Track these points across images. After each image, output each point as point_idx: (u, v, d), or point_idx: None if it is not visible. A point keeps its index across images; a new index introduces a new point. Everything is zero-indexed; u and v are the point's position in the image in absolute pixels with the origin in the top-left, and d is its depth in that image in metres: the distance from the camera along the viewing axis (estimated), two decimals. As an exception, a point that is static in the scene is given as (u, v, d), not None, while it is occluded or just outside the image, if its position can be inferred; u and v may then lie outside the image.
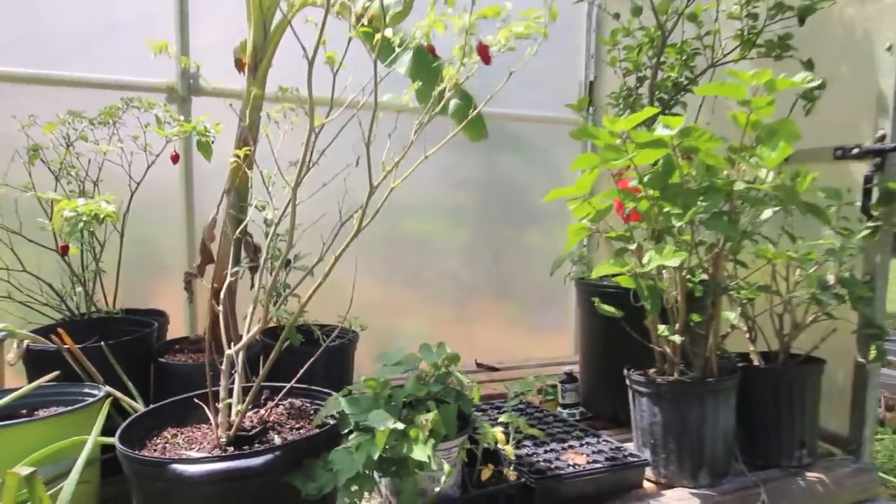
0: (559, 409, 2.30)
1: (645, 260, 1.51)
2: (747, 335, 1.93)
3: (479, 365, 2.95)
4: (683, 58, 2.21)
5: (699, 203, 1.55)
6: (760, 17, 2.05)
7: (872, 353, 1.81)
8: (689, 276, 1.74)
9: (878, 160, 1.78)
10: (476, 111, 1.59)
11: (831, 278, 1.81)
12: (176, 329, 2.42)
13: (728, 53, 2.14)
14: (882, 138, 1.78)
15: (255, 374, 2.01)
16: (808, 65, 1.99)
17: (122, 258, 2.17)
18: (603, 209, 1.84)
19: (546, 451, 1.68)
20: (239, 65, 2.20)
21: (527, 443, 1.74)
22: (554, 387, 2.37)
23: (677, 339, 1.65)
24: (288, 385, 1.49)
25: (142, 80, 2.47)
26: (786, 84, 1.48)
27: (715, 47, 2.17)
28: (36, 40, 2.36)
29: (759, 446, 1.78)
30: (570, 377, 2.31)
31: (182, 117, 2.16)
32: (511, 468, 1.51)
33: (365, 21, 1.49)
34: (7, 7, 2.29)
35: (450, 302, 3.14)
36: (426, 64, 1.77)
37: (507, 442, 1.48)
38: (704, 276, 1.77)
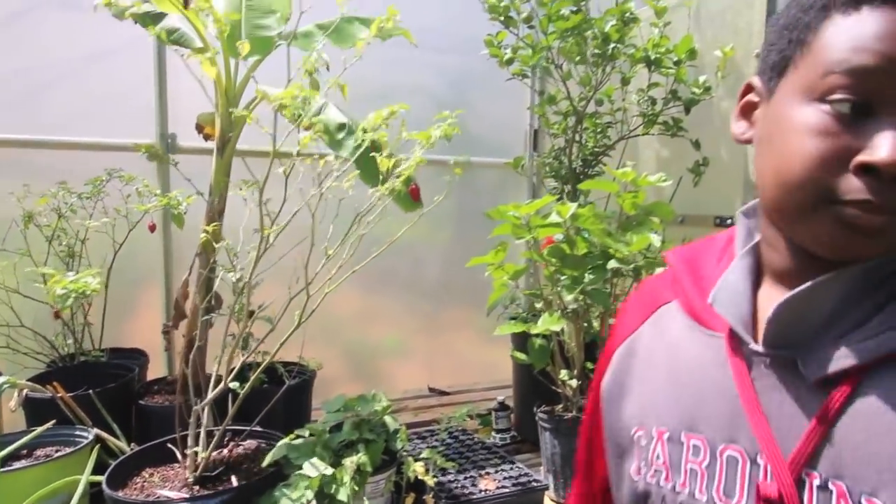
0: (493, 433, 2.64)
1: (539, 323, 1.85)
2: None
3: (430, 389, 3.28)
4: (598, 130, 2.55)
5: (587, 276, 1.89)
6: (659, 101, 2.40)
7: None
8: (586, 328, 2.08)
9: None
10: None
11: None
12: (157, 365, 2.73)
13: (634, 129, 2.49)
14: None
15: (223, 411, 2.34)
16: (696, 145, 2.34)
17: (106, 305, 2.49)
18: (519, 270, 2.18)
19: (465, 478, 2.02)
20: (200, 130, 2.53)
21: (451, 470, 2.07)
22: (489, 413, 2.71)
23: (574, 383, 2.00)
24: (248, 429, 1.81)
25: (126, 142, 2.78)
26: (646, 182, 1.82)
27: (624, 122, 2.51)
28: (34, 110, 2.67)
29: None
30: (502, 406, 2.65)
31: (159, 188, 2.47)
32: (431, 495, 1.85)
33: (311, 132, 1.81)
34: (12, 83, 2.60)
35: (425, 312, 3.46)
36: (369, 158, 2.09)
37: (427, 473, 1.82)
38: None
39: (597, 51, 2.19)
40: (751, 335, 0.61)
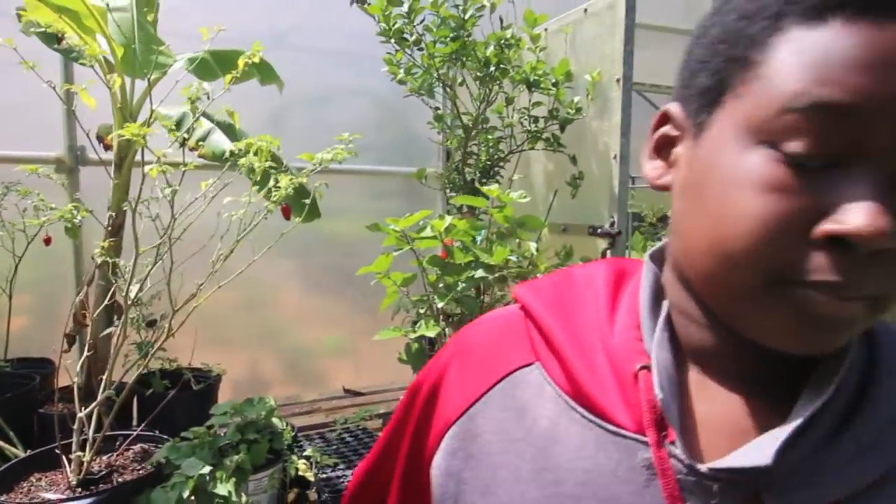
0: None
1: (416, 327, 2.01)
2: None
3: (345, 390, 3.41)
4: (490, 145, 2.73)
5: (460, 283, 2.06)
6: (541, 120, 2.59)
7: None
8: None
9: (610, 240, 2.34)
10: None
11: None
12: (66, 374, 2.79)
13: (521, 144, 2.68)
14: (612, 224, 2.34)
15: (127, 416, 2.43)
16: (573, 160, 2.54)
17: (10, 316, 2.54)
18: (408, 277, 2.34)
19: (351, 473, 2.16)
20: (101, 140, 2.61)
21: (342, 466, 2.22)
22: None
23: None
24: (135, 433, 1.91)
25: (34, 154, 2.82)
26: (509, 199, 2.00)
27: (513, 138, 2.69)
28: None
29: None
30: (404, 405, 2.81)
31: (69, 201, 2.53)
32: (314, 490, 1.99)
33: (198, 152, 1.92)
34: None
35: (364, 311, 3.55)
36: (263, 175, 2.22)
37: (309, 470, 1.95)
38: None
39: (478, 73, 2.36)
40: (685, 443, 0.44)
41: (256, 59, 1.89)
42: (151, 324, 2.44)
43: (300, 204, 2.25)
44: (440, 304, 1.97)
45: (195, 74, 2.39)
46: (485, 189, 2.01)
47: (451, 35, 2.23)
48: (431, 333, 1.94)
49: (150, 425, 2.03)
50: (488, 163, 2.74)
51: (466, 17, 2.21)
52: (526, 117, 2.56)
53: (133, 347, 2.36)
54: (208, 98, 1.86)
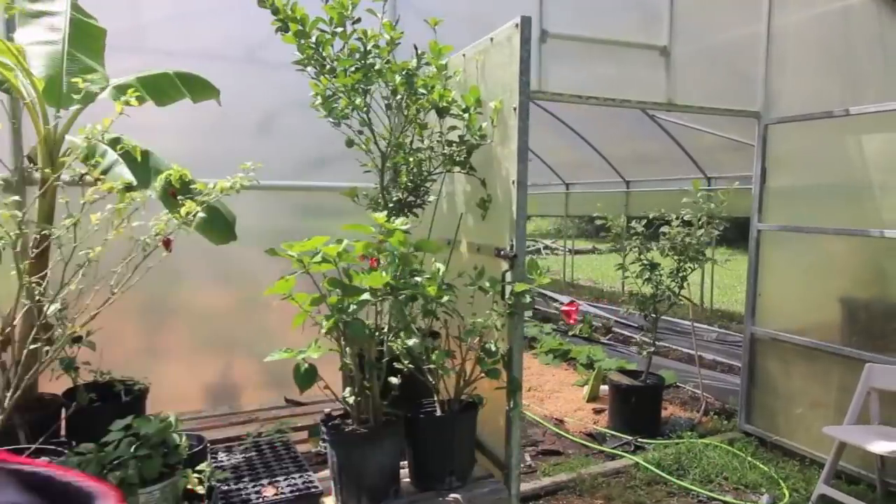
0: (321, 443, 2.90)
1: (305, 349, 2.11)
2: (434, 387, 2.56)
3: (287, 400, 3.53)
4: (410, 166, 2.82)
5: (351, 305, 2.15)
6: (454, 144, 2.67)
7: (513, 404, 2.46)
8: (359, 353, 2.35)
9: (510, 261, 2.42)
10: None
11: (493, 347, 2.45)
12: None
13: (438, 166, 2.77)
14: (511, 247, 2.42)
15: (47, 431, 2.55)
16: (483, 183, 2.62)
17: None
18: (316, 298, 2.44)
19: (254, 486, 2.27)
20: (31, 161, 2.75)
21: (246, 478, 2.32)
22: (317, 424, 2.97)
23: (351, 400, 2.26)
24: (33, 446, 2.04)
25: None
26: (391, 226, 2.09)
27: (433, 160, 2.79)
28: None
29: (422, 475, 2.41)
30: (328, 417, 2.91)
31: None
32: (209, 502, 2.09)
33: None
34: None
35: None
36: (170, 198, 2.34)
37: (201, 484, 2.06)
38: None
39: (386, 101, 2.46)
40: None
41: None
42: (77, 340, 2.58)
43: (216, 227, 2.36)
44: (324, 330, 2.07)
45: (116, 99, 2.52)
46: (373, 216, 2.11)
47: (356, 65, 2.32)
48: (315, 355, 2.04)
49: (81, 439, 2.14)
50: (409, 183, 2.83)
51: (368, 47, 2.30)
52: (440, 141, 2.65)
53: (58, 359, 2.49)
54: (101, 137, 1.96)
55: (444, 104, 2.49)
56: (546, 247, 19.40)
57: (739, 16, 4.98)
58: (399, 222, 2.09)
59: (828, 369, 4.59)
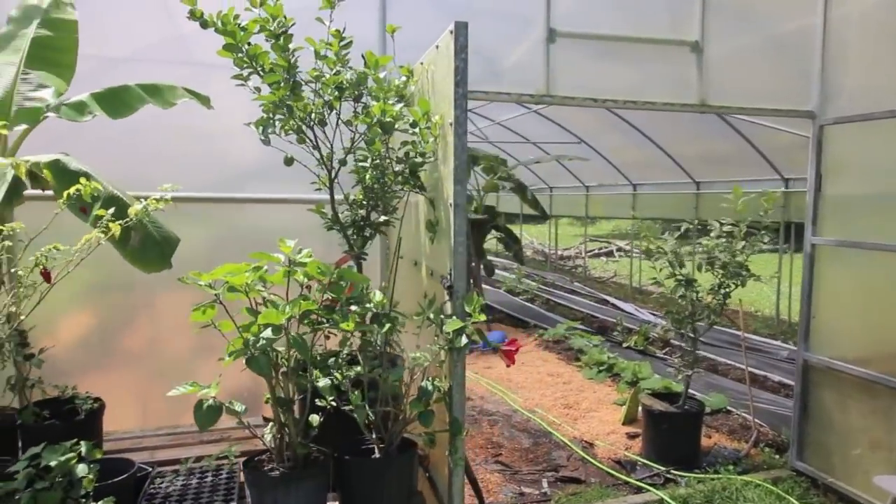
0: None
1: (209, 386, 1.99)
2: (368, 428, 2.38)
3: (265, 419, 3.45)
4: (368, 183, 2.66)
5: (259, 340, 2.02)
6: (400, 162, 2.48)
7: (453, 450, 2.24)
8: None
9: (448, 292, 2.20)
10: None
11: (430, 386, 2.25)
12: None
13: (390, 184, 2.58)
14: (450, 275, 2.20)
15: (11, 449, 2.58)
16: (432, 204, 2.42)
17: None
18: (245, 325, 2.33)
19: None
20: None
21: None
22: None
23: (268, 438, 2.13)
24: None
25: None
26: (298, 259, 1.93)
27: (384, 179, 2.61)
28: None
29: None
30: (252, 454, 2.81)
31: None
32: (112, 539, 2.03)
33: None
34: None
35: None
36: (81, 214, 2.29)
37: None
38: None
39: (319, 116, 2.30)
40: None
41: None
42: (29, 357, 2.61)
43: (148, 254, 2.31)
44: (225, 364, 1.95)
45: (67, 117, 2.52)
46: (282, 245, 1.96)
47: (281, 80, 2.19)
48: (213, 392, 1.92)
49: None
50: (365, 201, 2.67)
51: (293, 61, 2.16)
52: (389, 160, 2.47)
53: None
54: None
55: (388, 119, 2.31)
56: (619, 249, 18.63)
57: (787, 5, 4.43)
58: (305, 253, 1.94)
59: (891, 407, 3.99)
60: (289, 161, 2.45)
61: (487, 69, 3.93)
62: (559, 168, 13.82)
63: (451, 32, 2.08)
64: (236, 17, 2.24)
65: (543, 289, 12.99)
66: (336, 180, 2.68)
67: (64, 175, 2.33)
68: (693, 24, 4.13)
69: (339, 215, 2.72)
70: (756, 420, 5.51)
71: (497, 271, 15.80)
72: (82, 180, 2.08)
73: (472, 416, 5.83)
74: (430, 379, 2.21)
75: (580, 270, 16.11)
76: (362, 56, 2.39)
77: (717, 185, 10.51)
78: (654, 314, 10.35)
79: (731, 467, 4.69)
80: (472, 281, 10.11)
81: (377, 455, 2.27)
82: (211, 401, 1.97)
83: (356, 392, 2.11)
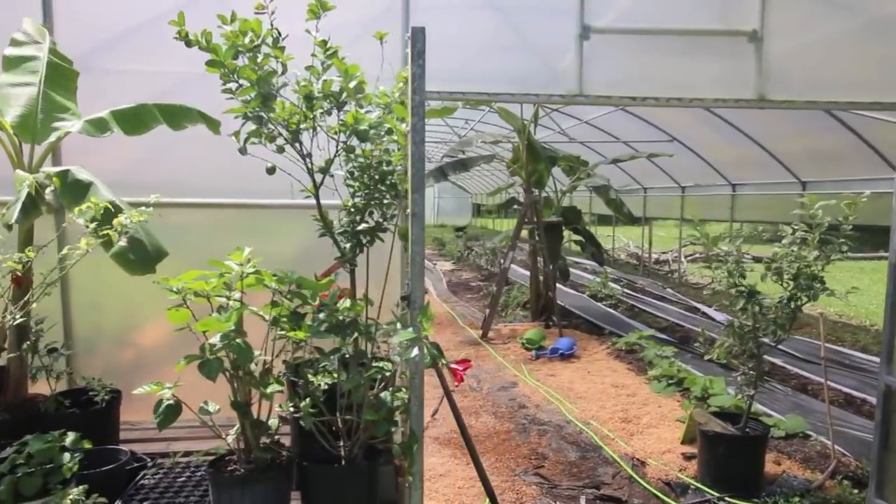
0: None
1: (172, 384, 2.07)
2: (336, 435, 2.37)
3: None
4: (355, 190, 2.65)
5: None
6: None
7: (410, 463, 2.18)
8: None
9: (405, 303, 2.14)
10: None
11: (388, 396, 2.21)
12: None
13: (373, 192, 2.56)
14: (407, 285, 2.14)
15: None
16: (405, 212, 2.36)
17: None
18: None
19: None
20: None
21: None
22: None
23: (230, 439, 2.19)
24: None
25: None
26: (241, 269, 1.96)
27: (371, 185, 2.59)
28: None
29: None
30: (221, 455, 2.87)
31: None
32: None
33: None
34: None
35: None
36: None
37: (77, 507, 2.14)
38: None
39: (293, 126, 2.33)
40: None
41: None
42: (52, 350, 2.85)
43: (135, 258, 2.45)
44: (178, 368, 2.01)
45: (87, 133, 2.72)
46: (232, 255, 2.01)
47: (250, 93, 2.24)
48: (167, 393, 2.00)
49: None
50: (353, 208, 2.67)
51: (261, 73, 2.20)
52: (371, 168, 2.46)
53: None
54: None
55: (363, 128, 2.29)
56: (726, 253, 17.38)
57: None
58: (252, 263, 1.96)
59: (985, 446, 3.42)
60: (271, 170, 2.50)
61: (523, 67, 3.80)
62: (653, 168, 13.17)
63: (408, 38, 2.02)
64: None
65: (630, 294, 12.44)
66: (335, 189, 2.70)
67: (74, 187, 2.53)
68: (751, 11, 3.76)
69: (337, 222, 2.74)
70: (839, 448, 4.94)
71: (584, 275, 15.33)
72: (93, 199, 2.25)
73: (523, 426, 5.69)
74: (391, 389, 2.17)
75: (676, 276, 15.26)
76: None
77: (826, 185, 9.55)
78: (747, 325, 9.57)
79: (796, 499, 4.23)
80: (542, 284, 9.86)
81: (341, 462, 2.26)
82: (171, 400, 2.06)
83: (307, 400, 2.12)
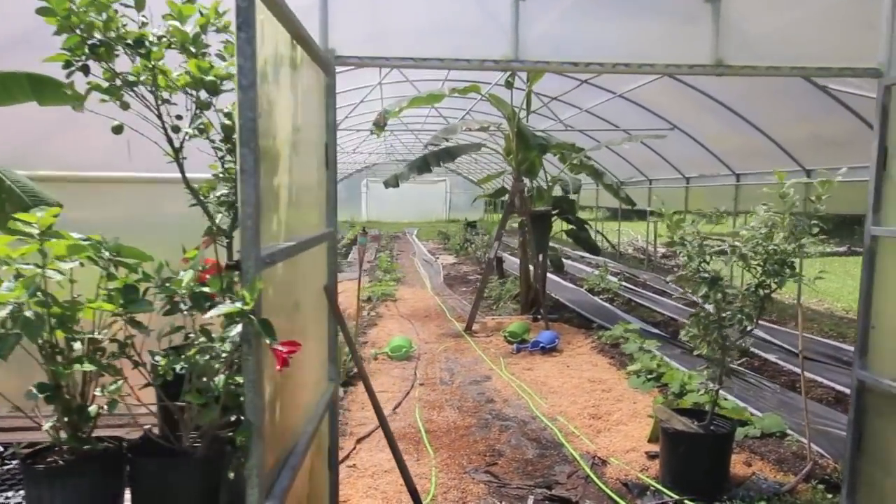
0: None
1: None
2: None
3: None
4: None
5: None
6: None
7: (243, 458, 1.91)
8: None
9: (235, 269, 1.88)
10: None
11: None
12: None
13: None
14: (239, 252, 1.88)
15: None
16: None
17: None
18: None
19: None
20: None
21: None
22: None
23: (48, 425, 1.95)
24: None
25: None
26: (33, 218, 1.71)
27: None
28: None
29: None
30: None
31: None
32: None
33: None
34: None
35: None
36: None
37: None
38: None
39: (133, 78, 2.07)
40: None
41: None
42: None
43: None
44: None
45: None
46: (27, 216, 1.76)
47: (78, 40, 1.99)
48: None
49: None
50: (223, 174, 2.42)
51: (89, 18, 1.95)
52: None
53: None
54: None
55: (210, 79, 2.03)
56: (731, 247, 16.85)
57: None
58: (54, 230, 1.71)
59: (961, 448, 3.06)
60: (117, 129, 2.24)
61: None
62: (658, 160, 12.73)
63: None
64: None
65: (629, 288, 12.04)
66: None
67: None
68: (703, -34, 3.42)
69: (212, 194, 2.49)
70: (818, 449, 4.57)
71: (586, 269, 14.94)
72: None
73: (486, 421, 5.40)
74: (225, 373, 1.91)
75: (678, 269, 14.77)
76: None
77: (832, 174, 9.06)
78: (745, 320, 9.14)
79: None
80: (530, 276, 9.52)
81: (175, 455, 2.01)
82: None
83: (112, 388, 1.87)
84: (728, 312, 4.02)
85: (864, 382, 3.62)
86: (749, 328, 4.04)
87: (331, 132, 3.18)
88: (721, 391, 5.86)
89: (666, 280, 13.40)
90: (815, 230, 3.86)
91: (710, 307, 4.07)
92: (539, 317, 8.97)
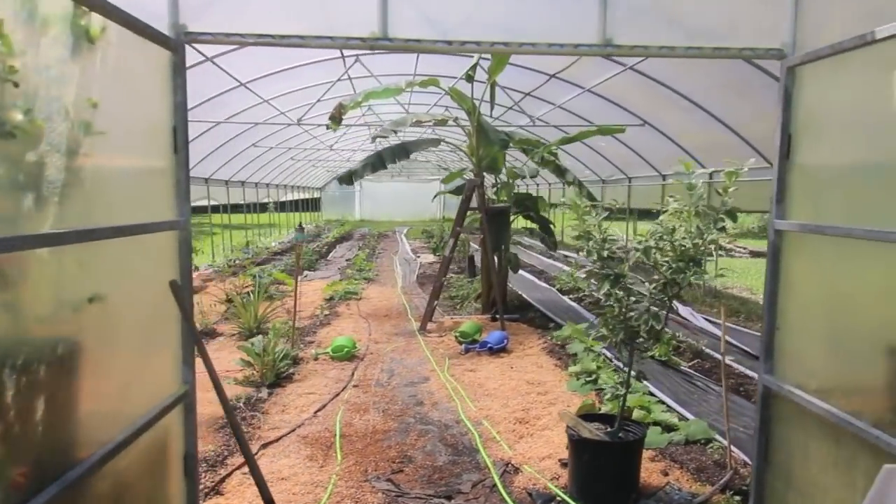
0: None
1: None
2: None
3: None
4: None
5: None
6: None
7: None
8: None
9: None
10: None
11: None
12: None
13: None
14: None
15: None
16: None
17: None
18: None
19: None
20: None
21: None
22: None
23: None
24: None
25: None
26: None
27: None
28: None
29: None
30: None
31: None
32: None
33: None
34: None
35: None
36: None
37: None
38: None
39: None
40: None
41: None
42: None
43: None
44: None
45: None
46: None
47: None
48: None
49: None
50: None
51: None
52: None
53: None
54: None
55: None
56: (721, 248, 16.61)
57: None
58: None
59: (854, 460, 2.80)
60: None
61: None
62: (635, 157, 12.46)
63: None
64: None
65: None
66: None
67: None
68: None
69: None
70: (743, 457, 4.31)
71: (566, 268, 14.67)
72: None
73: (407, 425, 5.17)
74: None
75: (662, 269, 14.49)
76: None
77: (800, 170, 8.78)
78: (709, 320, 8.88)
79: (669, 517, 3.64)
80: (491, 275, 9.26)
81: None
82: None
83: None
84: (634, 312, 3.77)
85: (770, 388, 3.37)
86: (657, 328, 3.79)
87: (179, 114, 2.95)
88: (659, 394, 5.62)
89: (643, 280, 13.13)
90: (721, 224, 3.61)
91: (614, 305, 3.82)
92: (497, 316, 8.73)
